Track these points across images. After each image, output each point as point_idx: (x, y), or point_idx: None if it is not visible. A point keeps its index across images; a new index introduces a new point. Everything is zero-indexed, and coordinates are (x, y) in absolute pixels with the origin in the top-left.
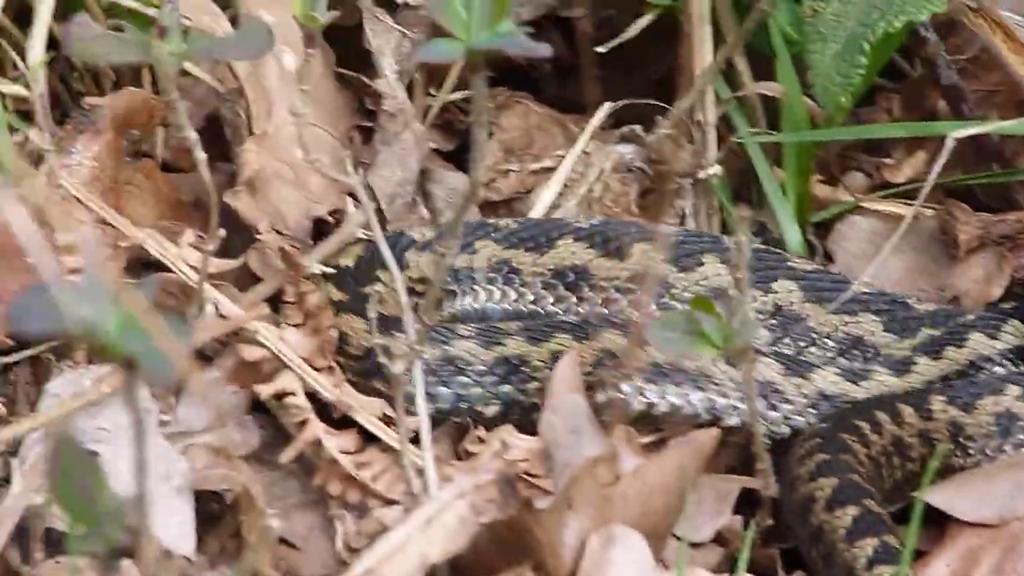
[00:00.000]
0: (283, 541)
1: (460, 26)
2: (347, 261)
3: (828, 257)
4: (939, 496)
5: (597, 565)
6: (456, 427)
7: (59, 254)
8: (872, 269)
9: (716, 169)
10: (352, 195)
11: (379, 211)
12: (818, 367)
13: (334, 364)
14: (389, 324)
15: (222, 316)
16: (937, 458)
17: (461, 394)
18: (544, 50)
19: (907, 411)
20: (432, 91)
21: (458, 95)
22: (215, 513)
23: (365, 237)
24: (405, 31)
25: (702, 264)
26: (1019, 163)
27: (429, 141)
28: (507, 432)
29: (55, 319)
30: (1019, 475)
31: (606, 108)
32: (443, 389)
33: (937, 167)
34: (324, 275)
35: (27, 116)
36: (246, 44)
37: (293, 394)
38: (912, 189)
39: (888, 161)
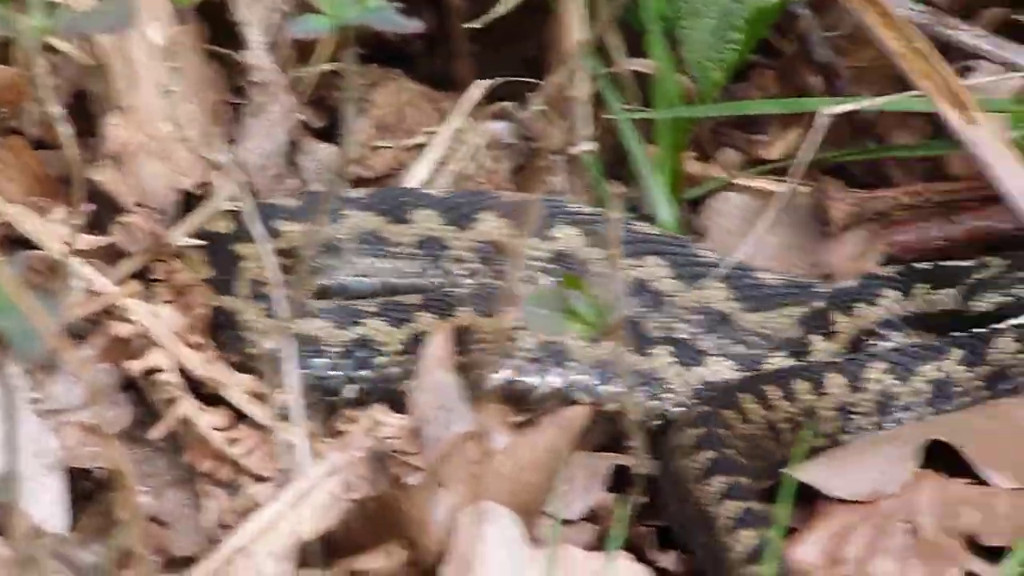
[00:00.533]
0: (154, 519)
1: (329, 1)
2: (218, 231)
3: (699, 233)
4: (810, 473)
5: (467, 542)
6: (327, 405)
7: None
8: (747, 247)
9: (589, 145)
10: (219, 168)
11: (247, 183)
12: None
13: (204, 340)
14: (261, 298)
15: (93, 292)
16: (806, 436)
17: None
18: (415, 25)
19: (802, 386)
20: (303, 66)
21: (329, 68)
22: (87, 491)
23: (234, 209)
24: (275, 3)
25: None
26: (893, 139)
27: (300, 115)
28: (378, 410)
29: None
30: (891, 451)
31: (478, 85)
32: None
33: (809, 144)
34: (194, 248)
35: None
36: (110, 18)
37: (163, 371)
38: (786, 166)
39: (762, 138)
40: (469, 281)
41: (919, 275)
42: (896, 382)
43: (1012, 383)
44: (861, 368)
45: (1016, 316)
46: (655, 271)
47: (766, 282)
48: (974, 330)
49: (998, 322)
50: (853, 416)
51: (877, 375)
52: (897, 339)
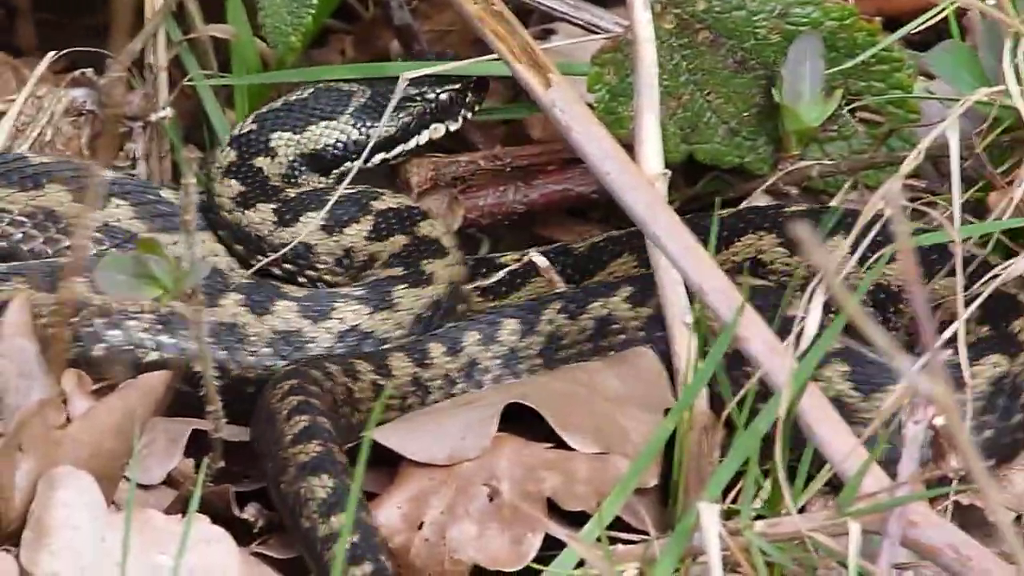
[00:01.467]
0: None
1: None
2: None
3: None
4: (388, 435)
5: (46, 506)
6: None
7: None
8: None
9: (167, 112)
10: None
11: None
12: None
13: None
14: None
15: None
16: (383, 399)
17: None
18: None
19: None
20: None
21: None
22: None
23: None
24: None
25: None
26: None
27: None
28: None
29: None
30: (470, 414)
31: (52, 53)
32: None
33: (391, 107)
34: None
35: None
36: None
37: None
38: None
39: None
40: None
41: None
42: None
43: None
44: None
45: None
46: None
47: None
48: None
49: None
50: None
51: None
52: None
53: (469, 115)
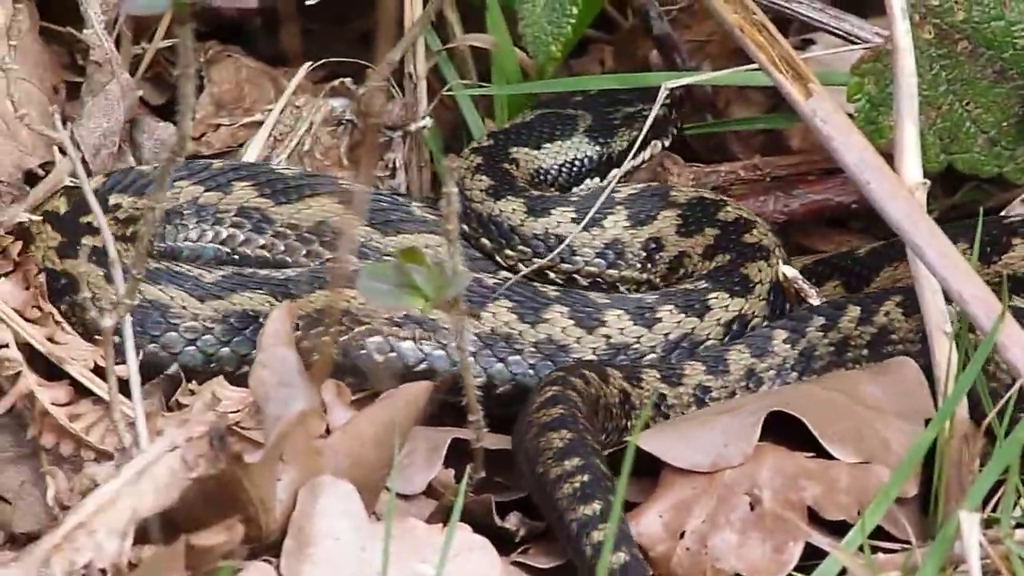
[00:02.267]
0: None
1: None
2: (62, 207)
3: None
4: (652, 442)
5: (308, 516)
6: (168, 379)
7: None
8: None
9: (427, 122)
10: (60, 147)
11: (84, 162)
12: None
13: (44, 311)
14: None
15: None
16: (648, 409)
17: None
18: (250, 1)
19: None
20: (143, 43)
21: (167, 44)
22: None
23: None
24: None
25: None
26: (731, 113)
27: (139, 92)
28: (218, 384)
29: None
30: (733, 421)
31: (309, 63)
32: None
33: (651, 118)
34: (44, 221)
35: None
36: None
37: (5, 346)
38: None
39: None
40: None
41: None
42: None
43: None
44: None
45: None
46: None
47: None
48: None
49: None
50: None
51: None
52: None
53: (675, 132)
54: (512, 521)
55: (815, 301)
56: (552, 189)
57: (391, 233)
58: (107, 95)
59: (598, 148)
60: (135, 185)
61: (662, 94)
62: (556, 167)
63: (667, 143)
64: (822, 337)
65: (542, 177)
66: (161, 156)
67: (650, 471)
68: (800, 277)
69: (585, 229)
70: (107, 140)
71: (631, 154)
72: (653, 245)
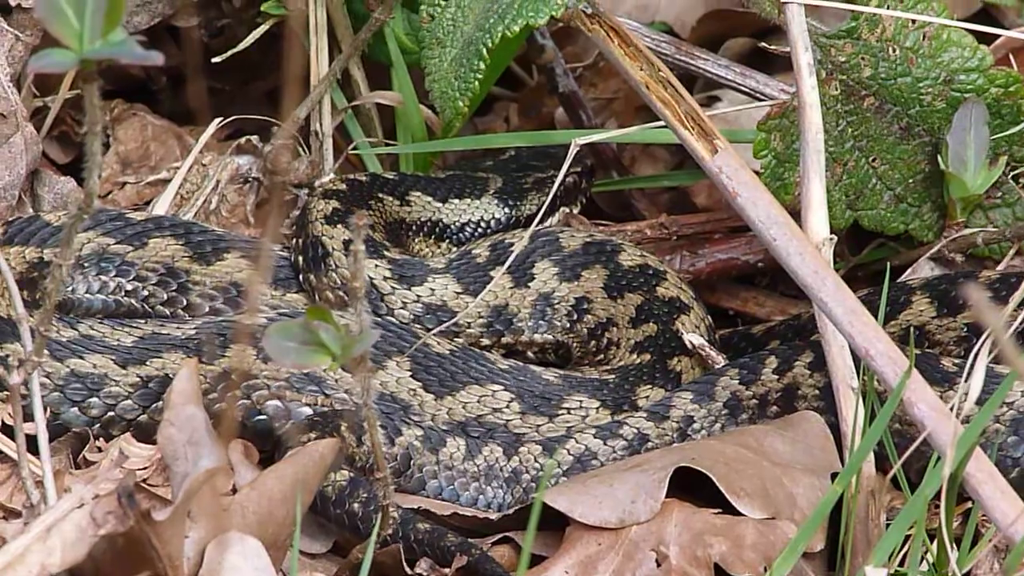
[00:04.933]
0: None
1: (72, 35)
2: None
3: None
4: (559, 498)
5: (215, 573)
6: (76, 436)
7: None
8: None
9: (332, 179)
10: None
11: None
12: None
13: None
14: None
15: None
16: (552, 466)
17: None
18: (156, 58)
19: None
20: (47, 99)
21: (72, 97)
22: None
23: None
24: (19, 34)
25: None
26: (637, 171)
27: (42, 148)
28: (125, 441)
29: None
30: (640, 477)
31: (216, 121)
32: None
33: (560, 177)
34: None
35: None
36: None
37: None
38: None
39: None
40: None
41: None
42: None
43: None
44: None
45: None
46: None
47: None
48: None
49: None
50: None
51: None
52: None
53: (584, 200)
54: (422, 567)
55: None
56: (448, 245)
57: (293, 291)
58: (11, 147)
59: (507, 211)
60: (38, 236)
61: (572, 151)
62: (459, 224)
63: (576, 210)
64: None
65: (440, 232)
66: (63, 211)
67: (556, 526)
68: (706, 344)
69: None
70: (7, 193)
71: (538, 219)
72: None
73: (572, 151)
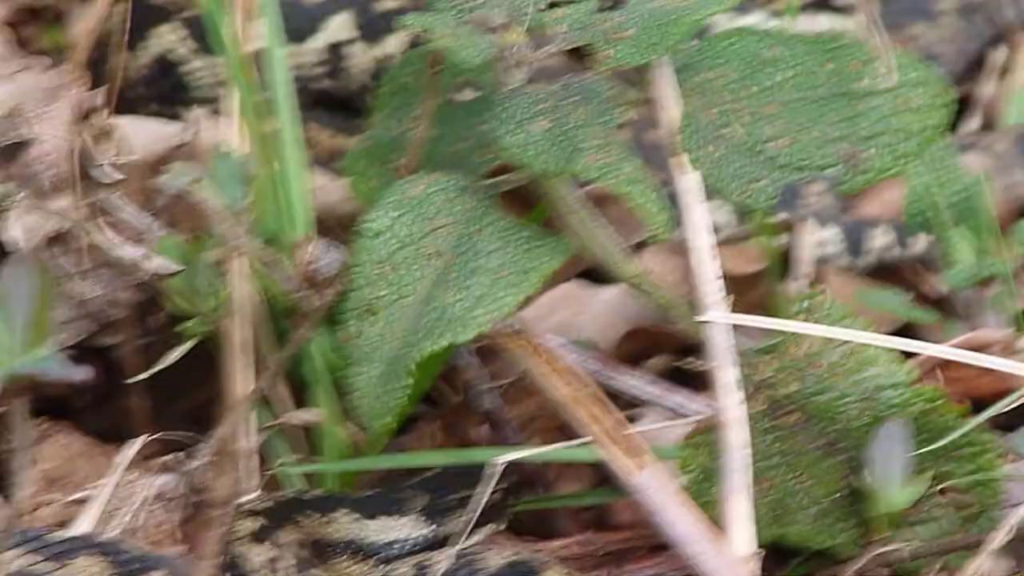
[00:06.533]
0: None
1: (1, 349)
2: None
3: None
4: None
5: None
6: None
7: None
8: None
9: (257, 496)
10: None
11: None
12: None
13: None
14: None
15: None
16: None
17: None
18: (83, 373)
19: None
20: None
21: None
22: None
23: None
24: None
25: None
26: (560, 488)
27: None
28: None
29: None
30: None
31: (142, 437)
32: None
33: (484, 495)
34: None
35: None
36: None
37: None
38: None
39: None
40: None
41: None
42: None
43: None
44: None
45: None
46: None
47: None
48: None
49: None
50: None
51: None
52: None
53: (510, 517)
54: None
55: None
56: (374, 563)
57: None
58: None
59: (432, 528)
60: None
61: (497, 469)
62: (384, 543)
63: (502, 527)
64: None
65: (365, 551)
66: None
67: None
68: None
69: None
70: None
71: (463, 537)
72: None
73: (497, 470)
